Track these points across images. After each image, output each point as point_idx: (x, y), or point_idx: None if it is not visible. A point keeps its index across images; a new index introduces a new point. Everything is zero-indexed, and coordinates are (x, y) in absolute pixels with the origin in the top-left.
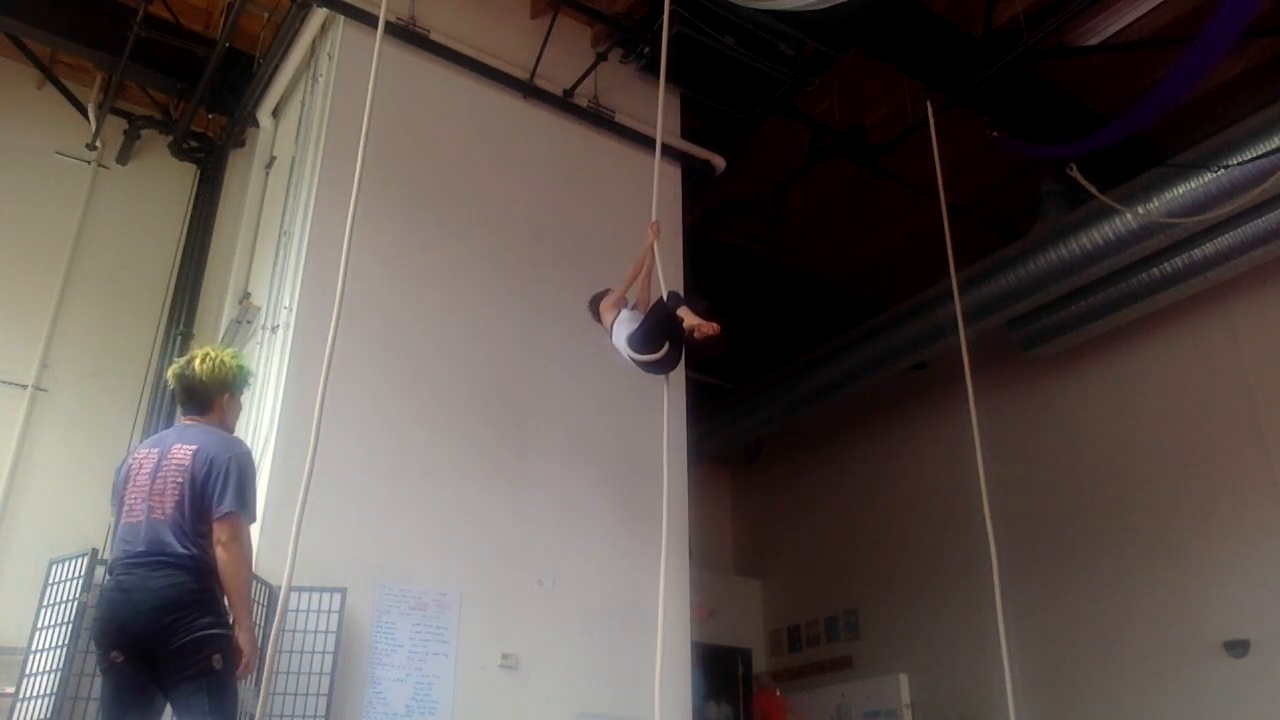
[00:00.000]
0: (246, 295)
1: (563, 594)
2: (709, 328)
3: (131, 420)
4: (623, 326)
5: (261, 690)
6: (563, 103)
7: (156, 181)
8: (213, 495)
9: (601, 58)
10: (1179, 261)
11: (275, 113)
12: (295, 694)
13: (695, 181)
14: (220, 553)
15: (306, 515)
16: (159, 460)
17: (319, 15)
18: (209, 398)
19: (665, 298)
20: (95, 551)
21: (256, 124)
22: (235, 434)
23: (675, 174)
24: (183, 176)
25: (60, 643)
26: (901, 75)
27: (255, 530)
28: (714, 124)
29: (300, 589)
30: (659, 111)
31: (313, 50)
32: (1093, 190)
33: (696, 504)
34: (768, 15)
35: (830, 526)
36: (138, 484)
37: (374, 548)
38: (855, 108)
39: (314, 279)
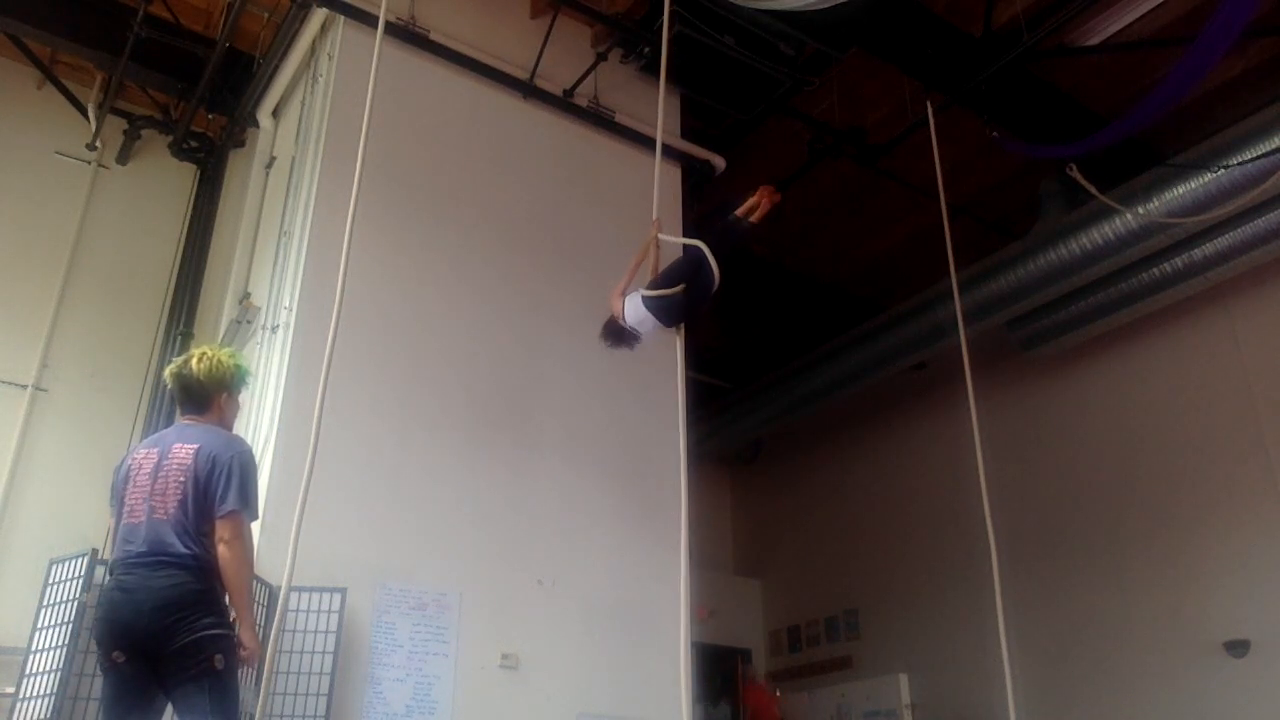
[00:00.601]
0: (246, 295)
1: (563, 594)
2: (765, 197)
3: (131, 420)
4: (636, 296)
5: (261, 690)
6: (563, 103)
7: (156, 181)
8: (215, 494)
9: (601, 58)
10: (1179, 261)
11: (275, 113)
12: (295, 694)
13: (695, 181)
14: (223, 551)
15: (306, 515)
16: (159, 460)
17: (319, 15)
18: (207, 397)
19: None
20: (95, 551)
21: (256, 124)
22: (234, 433)
23: (675, 174)
24: (183, 176)
25: (60, 643)
26: (901, 75)
27: (256, 530)
28: (714, 124)
29: (300, 589)
30: (659, 110)
31: (313, 50)
32: (1093, 190)
33: (696, 504)
34: (768, 15)
35: (830, 526)
36: (138, 484)
37: (374, 548)
38: (855, 108)
39: (314, 279)
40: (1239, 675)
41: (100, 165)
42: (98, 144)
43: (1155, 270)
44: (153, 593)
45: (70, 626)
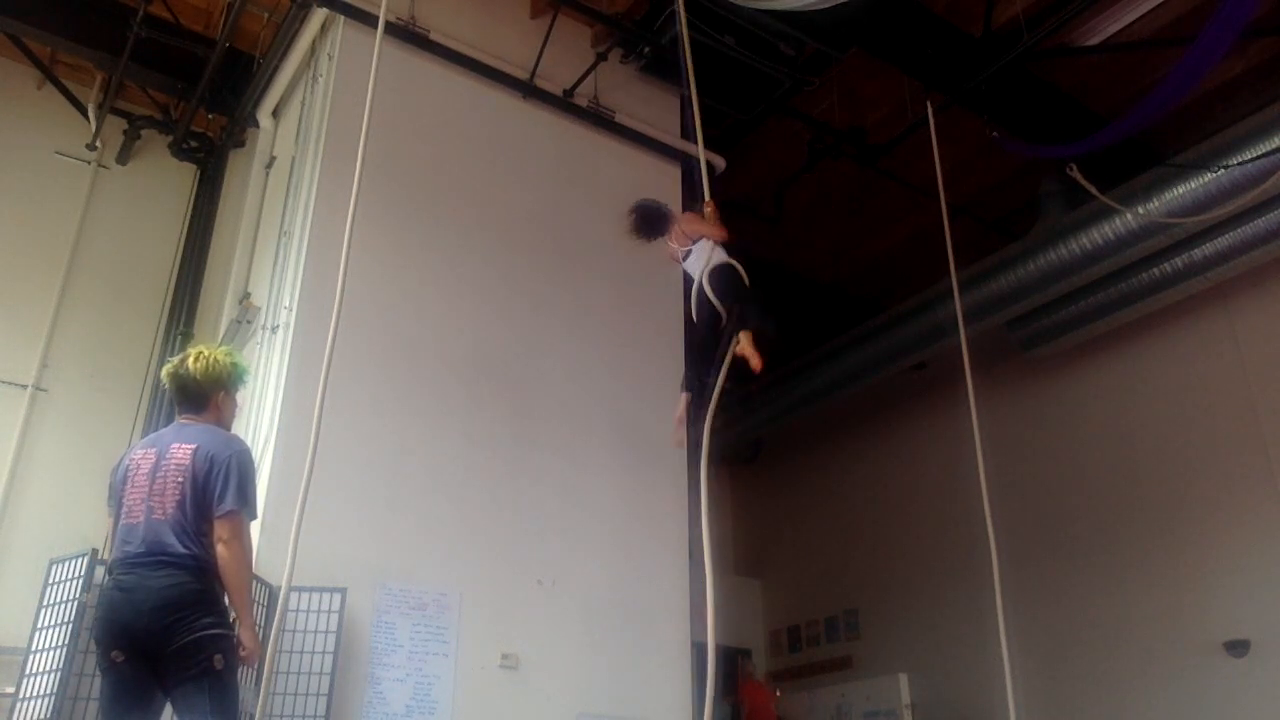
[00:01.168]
0: (246, 295)
1: (563, 594)
2: (753, 359)
3: (131, 420)
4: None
5: (261, 690)
6: (563, 103)
7: (156, 181)
8: (214, 493)
9: (601, 58)
10: (1179, 261)
11: (275, 113)
12: (295, 694)
13: (695, 181)
14: (221, 550)
15: (306, 515)
16: (157, 460)
17: (319, 15)
18: (205, 397)
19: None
20: (95, 551)
21: (256, 124)
22: (233, 432)
23: (675, 174)
24: (183, 176)
25: (60, 643)
26: (901, 75)
27: (255, 530)
28: (714, 124)
29: (300, 589)
30: (693, 99)
31: (313, 50)
32: (1093, 190)
33: (697, 504)
34: (768, 15)
35: (830, 526)
36: (136, 484)
37: (374, 548)
38: (855, 108)
39: (314, 279)
40: (1239, 675)
41: (100, 165)
42: (98, 144)
43: (1155, 270)
44: (152, 593)
45: (70, 626)
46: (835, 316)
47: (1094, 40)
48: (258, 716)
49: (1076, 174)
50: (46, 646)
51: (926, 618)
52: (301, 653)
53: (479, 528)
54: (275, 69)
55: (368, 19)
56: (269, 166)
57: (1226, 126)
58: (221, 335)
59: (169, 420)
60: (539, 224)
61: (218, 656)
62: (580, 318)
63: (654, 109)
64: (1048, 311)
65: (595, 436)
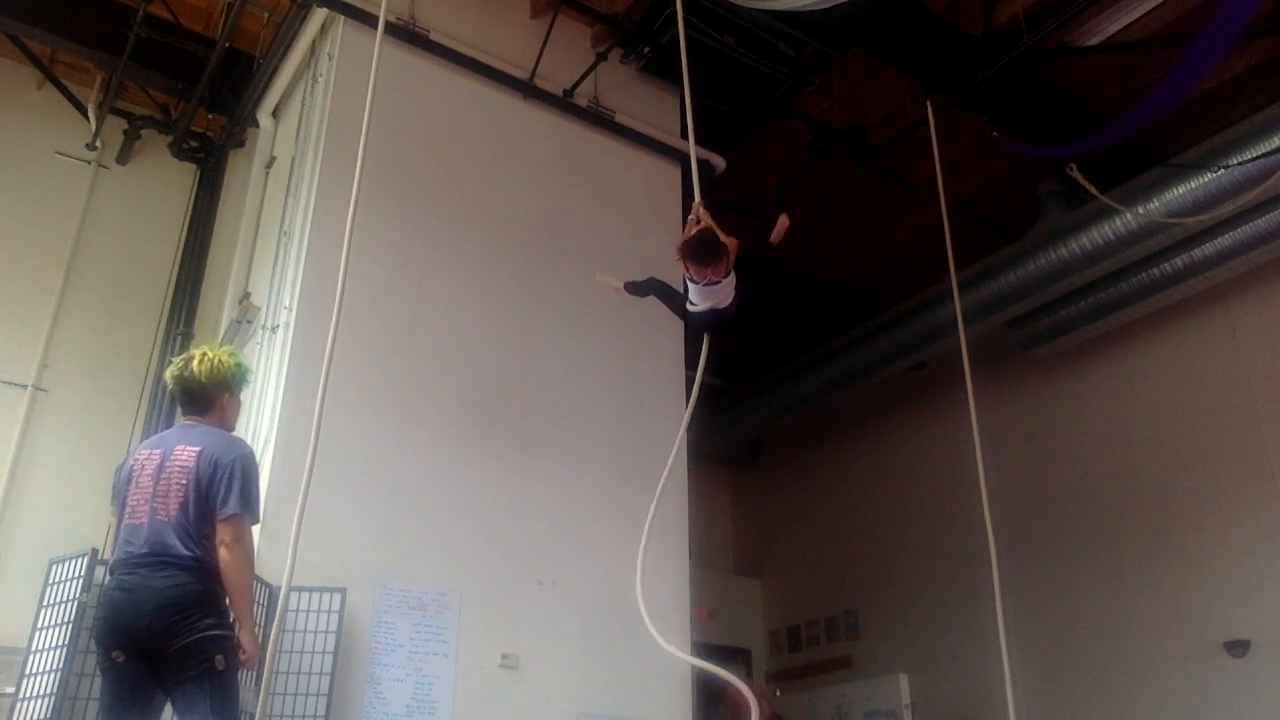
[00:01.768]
0: (246, 295)
1: (563, 594)
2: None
3: (131, 420)
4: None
5: (261, 690)
6: (563, 103)
7: (156, 181)
8: (217, 496)
9: (601, 58)
10: (1179, 261)
11: (275, 113)
12: (295, 694)
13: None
14: (224, 553)
15: (306, 515)
16: (162, 461)
17: (319, 15)
18: (209, 398)
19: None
20: (95, 551)
21: (256, 124)
22: (236, 433)
23: (675, 174)
24: (183, 176)
25: (60, 643)
26: (901, 75)
27: (255, 530)
28: (714, 124)
29: (300, 589)
30: (687, 101)
31: (313, 50)
32: (1093, 190)
33: (696, 504)
34: (768, 15)
35: (830, 526)
36: (140, 485)
37: (374, 548)
38: (855, 108)
39: (314, 279)
40: (1239, 675)
41: (100, 165)
42: (98, 144)
43: (1155, 270)
44: (155, 593)
45: (70, 626)
46: (835, 316)
47: (1094, 40)
48: (258, 716)
49: (1076, 174)
50: (46, 646)
51: (926, 618)
52: (301, 653)
53: (479, 528)
54: (275, 69)
55: (368, 19)
56: (269, 166)
57: (1226, 126)
58: (221, 335)
59: (169, 420)
60: (539, 224)
61: (219, 657)
62: (580, 317)
63: (654, 109)
64: (1048, 311)
65: (595, 436)
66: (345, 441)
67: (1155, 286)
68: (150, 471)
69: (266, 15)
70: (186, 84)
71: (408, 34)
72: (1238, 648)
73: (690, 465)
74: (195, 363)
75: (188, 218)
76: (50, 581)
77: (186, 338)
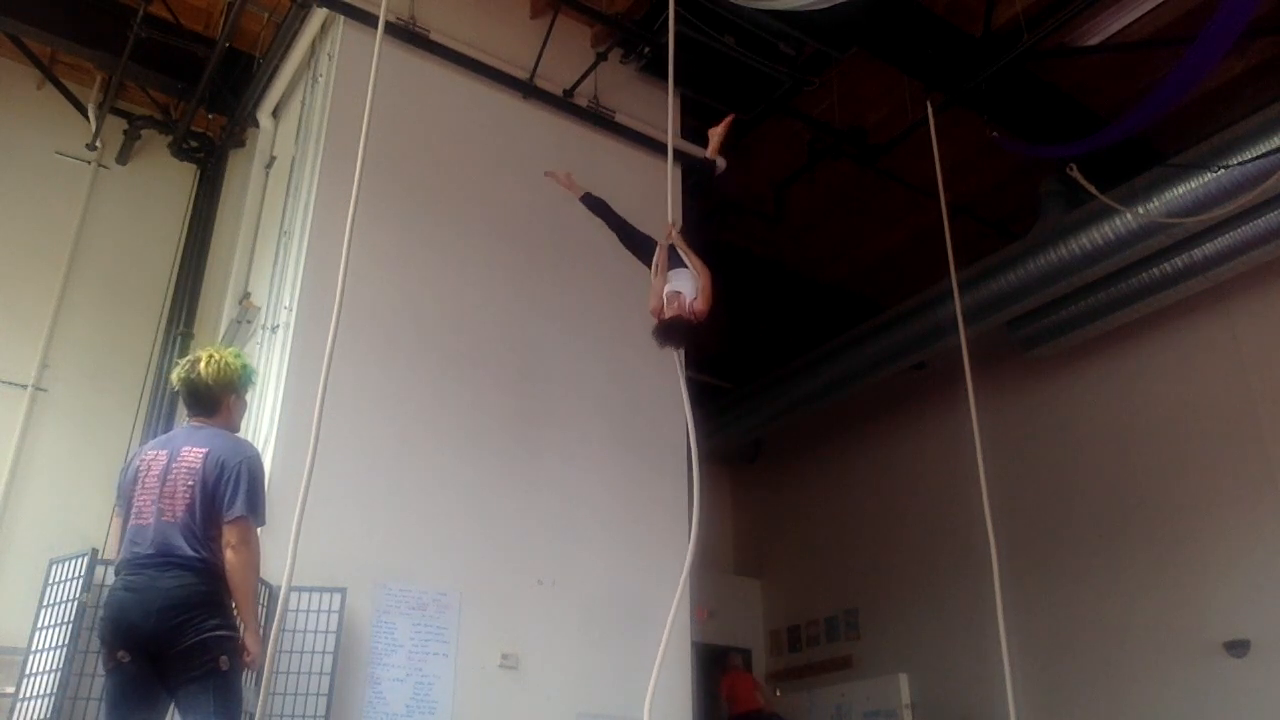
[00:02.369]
0: (246, 295)
1: (563, 594)
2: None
3: (131, 420)
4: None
5: (262, 690)
6: (563, 103)
7: (156, 181)
8: (223, 499)
9: (601, 58)
10: (1179, 261)
11: (275, 113)
12: (295, 694)
13: (695, 181)
14: (230, 556)
15: (306, 515)
16: (168, 463)
17: (319, 15)
18: (216, 400)
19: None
20: (95, 551)
21: (256, 124)
22: (240, 433)
23: (675, 174)
24: (183, 176)
25: (60, 643)
26: (901, 75)
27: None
28: (714, 124)
29: (300, 589)
30: (669, 110)
31: (313, 50)
32: (1093, 190)
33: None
34: (768, 15)
35: (830, 526)
36: (147, 486)
37: (374, 548)
38: (855, 108)
39: (314, 279)
40: (1239, 675)
41: (100, 165)
42: (98, 144)
43: (1155, 270)
44: (161, 593)
45: (70, 626)
46: (835, 316)
47: (1094, 40)
48: (258, 717)
49: (1076, 174)
50: (46, 646)
51: (926, 618)
52: (301, 653)
53: (479, 528)
54: (275, 69)
55: (368, 19)
56: (269, 166)
57: (1226, 126)
58: (221, 335)
59: (169, 420)
60: (539, 224)
61: (223, 658)
62: (580, 317)
63: (654, 109)
64: (1048, 311)
65: (595, 436)
66: (345, 441)
67: (1155, 286)
68: (156, 473)
69: (266, 15)
70: (186, 84)
71: (407, 34)
72: (1238, 648)
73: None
74: (202, 365)
75: (188, 218)
76: (50, 581)
77: (186, 338)
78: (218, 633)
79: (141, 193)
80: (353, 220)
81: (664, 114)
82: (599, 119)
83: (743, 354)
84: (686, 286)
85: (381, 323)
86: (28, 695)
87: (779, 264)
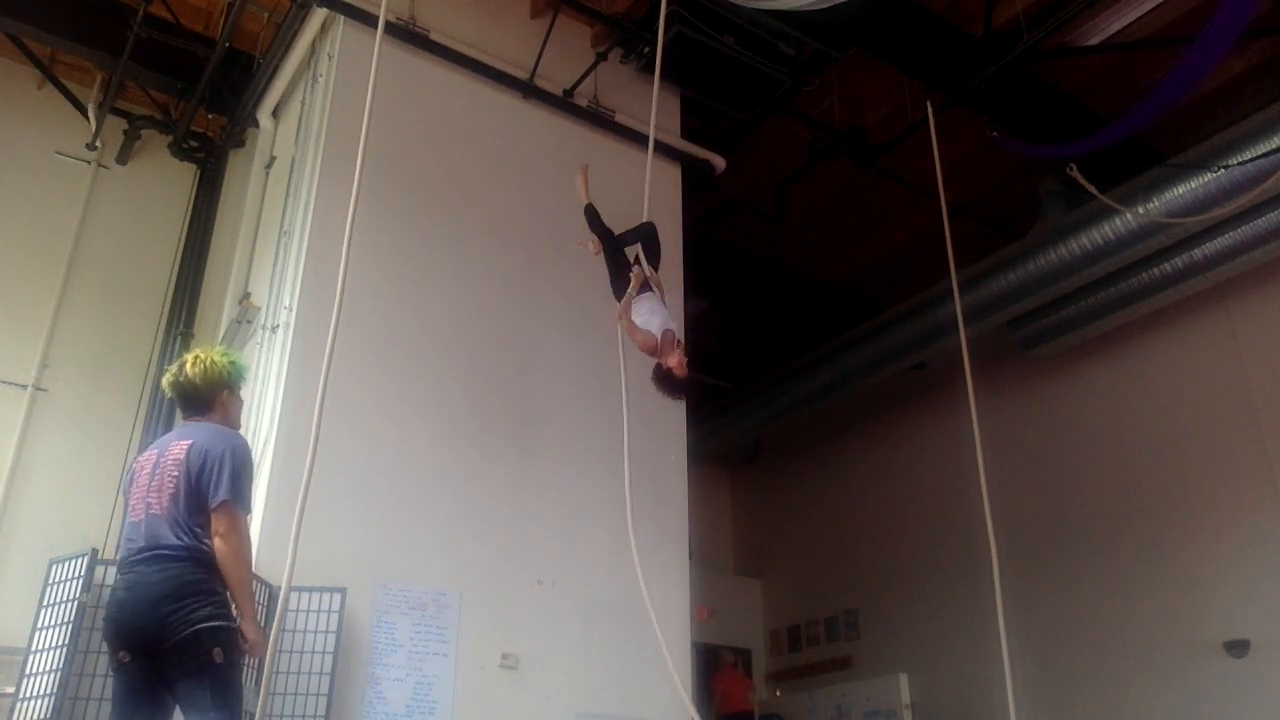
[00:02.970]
0: (246, 295)
1: (563, 594)
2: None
3: (131, 420)
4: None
5: (261, 690)
6: (563, 103)
7: (156, 181)
8: (207, 487)
9: (601, 58)
10: (1179, 261)
11: (275, 113)
12: (295, 694)
13: (695, 181)
14: (218, 543)
15: (306, 515)
16: (158, 459)
17: (319, 15)
18: (207, 399)
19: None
20: (95, 551)
21: (256, 124)
22: (240, 429)
23: (675, 174)
24: (183, 176)
25: (60, 643)
26: (901, 75)
27: (255, 530)
28: (714, 124)
29: (300, 589)
30: (653, 108)
31: (313, 50)
32: (1093, 190)
33: (696, 504)
34: (768, 15)
35: (830, 526)
36: (139, 484)
37: (374, 548)
38: (855, 108)
39: (314, 279)
40: (1239, 675)
41: (100, 165)
42: (98, 144)
43: (1155, 270)
44: (151, 586)
45: (70, 626)
46: (835, 316)
47: (1094, 40)
48: (258, 716)
49: (1076, 174)
50: (46, 646)
51: (926, 618)
52: (301, 653)
53: (479, 528)
54: (275, 69)
55: (368, 19)
56: (269, 166)
57: (1226, 126)
58: (221, 335)
59: (169, 420)
60: (539, 224)
61: (216, 650)
62: (580, 316)
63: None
64: (1048, 311)
65: (595, 436)
66: (345, 442)
67: (1155, 286)
68: (148, 470)
69: (266, 15)
70: (186, 84)
71: (408, 34)
72: (1238, 648)
73: (690, 465)
74: (189, 366)
75: (188, 218)
76: (50, 581)
77: (186, 338)
78: (210, 623)
79: (141, 193)
80: (353, 220)
81: (664, 114)
82: (599, 119)
83: (743, 354)
84: (669, 320)
85: (381, 322)
86: (28, 695)
87: (779, 264)
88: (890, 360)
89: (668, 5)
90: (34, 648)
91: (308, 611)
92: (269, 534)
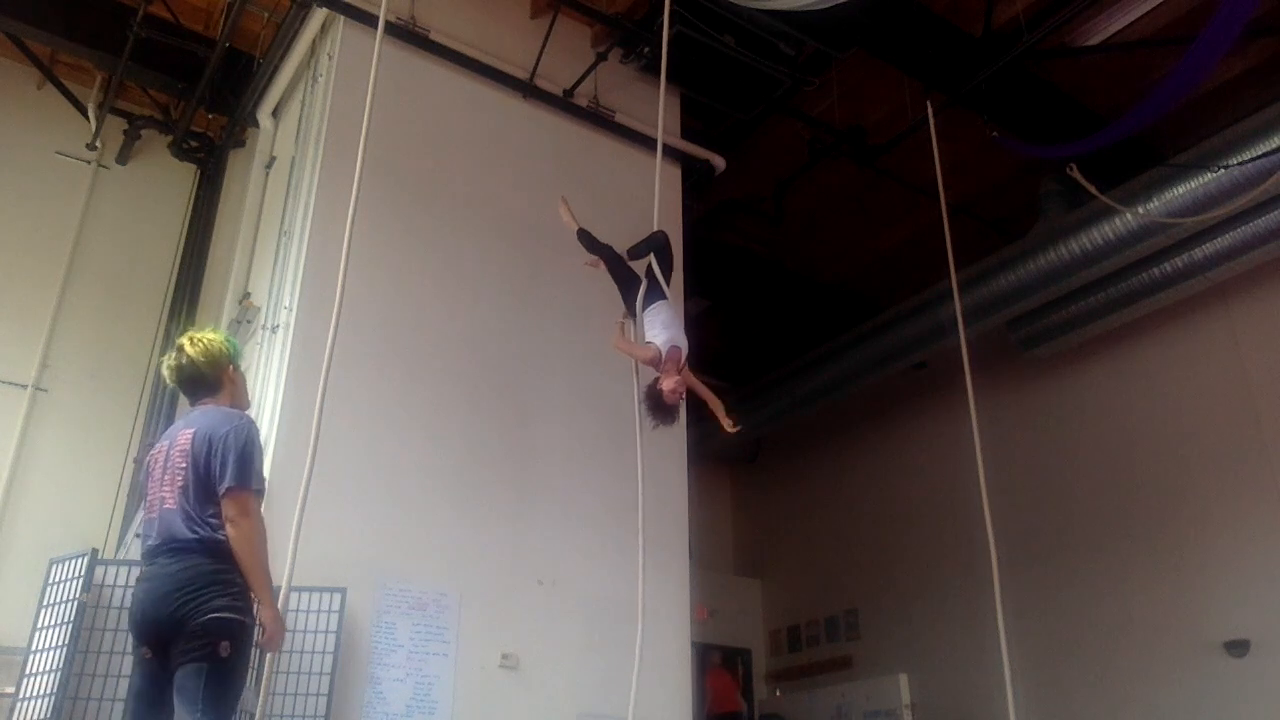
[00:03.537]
0: (246, 295)
1: (563, 594)
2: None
3: (131, 420)
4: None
5: (261, 690)
6: (563, 103)
7: (156, 181)
8: (214, 474)
9: (601, 58)
10: (1179, 261)
11: (275, 113)
12: (295, 694)
13: (695, 181)
14: (230, 530)
15: (306, 515)
16: (168, 450)
17: (319, 15)
18: (213, 379)
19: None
20: (95, 551)
21: (256, 124)
22: (249, 407)
23: (675, 174)
24: (183, 176)
25: (60, 643)
26: (901, 75)
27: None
28: (714, 124)
29: (300, 589)
30: (660, 111)
31: (313, 50)
32: (1093, 190)
33: (696, 504)
34: (767, 15)
35: (830, 526)
36: (154, 478)
37: (374, 548)
38: (855, 108)
39: (314, 279)
40: (1239, 675)
41: (100, 165)
42: (98, 144)
43: (1155, 270)
44: (170, 577)
45: (70, 626)
46: (835, 316)
47: (1094, 40)
48: (258, 717)
49: (1076, 174)
50: (46, 646)
51: (926, 618)
52: (301, 653)
53: (479, 528)
54: (275, 69)
55: (368, 19)
56: (269, 166)
57: (1226, 126)
58: None
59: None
60: (539, 224)
61: (224, 643)
62: (580, 316)
63: (654, 109)
64: (1048, 311)
65: (595, 436)
66: (345, 442)
67: (1155, 286)
68: (161, 463)
69: (266, 15)
70: (186, 84)
71: (407, 34)
72: (1238, 648)
73: (690, 465)
74: (188, 348)
75: (188, 218)
76: (50, 581)
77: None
78: (224, 614)
79: (141, 193)
80: (353, 220)
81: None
82: (599, 119)
83: (743, 354)
84: (680, 334)
85: (381, 322)
86: (28, 695)
87: (779, 264)
88: (890, 360)
89: (668, 5)
90: (34, 648)
91: (308, 611)
92: (269, 534)
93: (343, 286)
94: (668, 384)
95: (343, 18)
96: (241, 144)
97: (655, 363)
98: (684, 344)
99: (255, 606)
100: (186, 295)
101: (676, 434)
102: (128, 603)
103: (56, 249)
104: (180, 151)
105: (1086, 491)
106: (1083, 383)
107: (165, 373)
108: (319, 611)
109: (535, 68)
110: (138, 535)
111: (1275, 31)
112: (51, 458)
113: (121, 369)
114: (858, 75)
